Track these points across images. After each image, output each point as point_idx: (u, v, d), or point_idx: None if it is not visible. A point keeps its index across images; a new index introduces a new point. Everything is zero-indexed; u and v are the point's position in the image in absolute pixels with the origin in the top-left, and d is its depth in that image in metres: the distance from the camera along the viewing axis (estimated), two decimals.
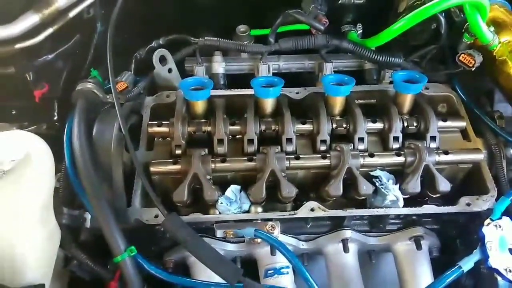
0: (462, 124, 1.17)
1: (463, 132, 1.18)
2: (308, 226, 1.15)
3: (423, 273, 1.11)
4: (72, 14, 1.20)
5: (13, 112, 1.24)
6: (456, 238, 1.17)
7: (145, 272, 0.99)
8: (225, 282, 0.94)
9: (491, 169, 1.12)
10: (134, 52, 1.27)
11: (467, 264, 0.91)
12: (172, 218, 0.97)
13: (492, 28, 1.14)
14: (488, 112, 1.21)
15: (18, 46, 1.14)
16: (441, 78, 1.27)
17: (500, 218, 0.97)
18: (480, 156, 1.11)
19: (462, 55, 1.14)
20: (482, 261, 0.92)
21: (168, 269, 1.09)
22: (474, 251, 0.94)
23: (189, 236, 0.95)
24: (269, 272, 1.09)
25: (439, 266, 1.10)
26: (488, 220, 0.96)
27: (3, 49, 1.13)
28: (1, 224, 0.85)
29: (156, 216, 1.03)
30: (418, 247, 1.12)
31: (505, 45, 1.14)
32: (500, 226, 0.95)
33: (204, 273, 1.06)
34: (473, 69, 1.13)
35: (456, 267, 0.92)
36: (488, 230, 0.94)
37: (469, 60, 1.13)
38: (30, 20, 1.13)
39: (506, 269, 0.91)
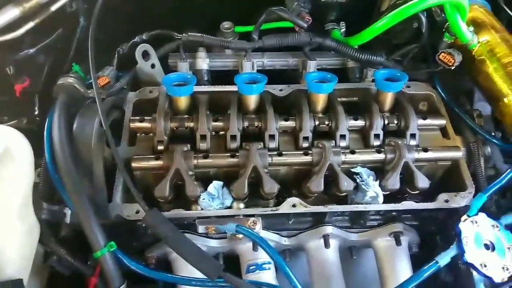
0: (441, 122, 1.19)
1: (443, 130, 1.20)
2: (290, 222, 1.16)
3: (403, 269, 1.13)
4: (54, 7, 1.20)
5: None
6: (435, 234, 1.20)
7: (125, 268, 0.99)
8: (206, 278, 0.95)
9: (469, 167, 1.15)
10: (116, 48, 1.26)
11: (443, 259, 0.93)
12: (153, 213, 0.97)
13: (471, 28, 1.17)
14: (467, 111, 1.23)
15: None
16: (422, 76, 1.29)
17: (476, 214, 0.99)
18: (459, 154, 1.13)
19: (442, 54, 1.15)
20: (459, 256, 0.94)
21: (150, 265, 1.09)
22: (451, 246, 0.95)
23: (170, 232, 0.95)
24: (251, 267, 1.10)
25: (419, 262, 1.12)
26: (465, 216, 0.98)
27: None
28: None
29: (137, 212, 1.03)
30: (398, 243, 1.13)
31: (484, 45, 1.16)
32: (476, 222, 0.97)
33: (185, 269, 1.07)
34: (452, 68, 1.15)
35: (433, 262, 0.93)
36: (465, 226, 0.96)
37: (449, 59, 1.14)
38: (10, 13, 1.12)
39: (481, 264, 0.92)
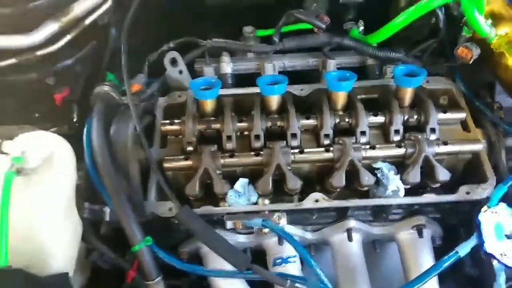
0: (462, 115, 1.21)
1: (463, 123, 1.22)
2: (314, 218, 1.20)
3: (426, 261, 1.15)
4: (88, 21, 1.28)
5: (36, 115, 1.32)
6: (459, 227, 1.21)
7: (160, 262, 1.07)
8: (235, 270, 1.01)
9: (490, 159, 1.16)
10: (146, 56, 1.34)
11: (463, 249, 0.96)
12: (185, 210, 1.04)
13: (489, 21, 1.17)
14: (487, 104, 1.24)
15: (39, 53, 1.22)
16: (442, 71, 1.31)
17: (497, 205, 1.01)
18: (479, 146, 1.14)
19: (460, 48, 1.17)
20: (479, 247, 0.96)
21: (182, 260, 1.16)
22: (471, 237, 0.97)
23: (201, 227, 1.02)
24: (277, 261, 1.15)
25: (443, 254, 1.14)
26: (485, 207, 1.00)
27: (26, 56, 1.22)
28: (29, 217, 0.93)
29: (170, 209, 1.10)
30: (420, 235, 1.16)
31: (502, 37, 1.16)
32: (496, 212, 0.99)
33: (216, 262, 1.13)
34: (470, 62, 1.16)
35: (453, 252, 0.96)
36: (485, 217, 0.98)
37: (466, 53, 1.16)
38: (50, 28, 1.21)
39: (501, 254, 0.95)
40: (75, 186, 1.03)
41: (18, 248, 0.90)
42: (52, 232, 0.95)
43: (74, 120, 1.30)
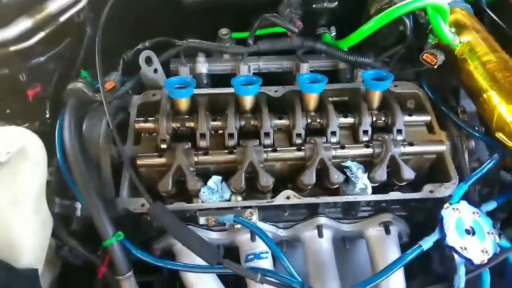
0: (427, 118, 1.26)
1: (429, 126, 1.27)
2: (286, 215, 1.23)
3: (393, 256, 1.18)
4: (62, 18, 1.28)
5: (7, 111, 1.31)
6: (424, 224, 1.26)
7: (132, 260, 1.07)
8: (207, 264, 1.02)
9: (454, 160, 1.21)
10: (121, 54, 1.35)
11: (426, 243, 1.00)
12: (157, 205, 1.05)
13: (453, 29, 1.24)
14: (452, 107, 1.30)
15: (12, 48, 1.21)
16: (409, 76, 1.37)
17: (458, 202, 1.06)
18: (443, 147, 1.20)
19: (426, 54, 1.23)
20: (441, 240, 1.00)
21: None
22: (434, 232, 1.02)
23: (173, 222, 1.03)
24: (249, 257, 1.17)
25: None
26: (447, 204, 1.05)
27: None
28: (0, 211, 0.92)
29: (143, 205, 1.11)
30: (387, 232, 1.20)
31: (465, 45, 1.22)
32: (457, 209, 1.04)
33: (188, 259, 1.13)
34: (435, 67, 1.22)
35: (417, 245, 1.00)
36: (447, 213, 1.03)
37: (432, 59, 1.22)
38: (23, 24, 1.21)
39: (461, 247, 0.99)
40: (45, 180, 1.02)
41: None
42: (22, 225, 0.94)
43: (46, 116, 1.29)
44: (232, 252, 1.22)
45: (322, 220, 1.20)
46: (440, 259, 1.27)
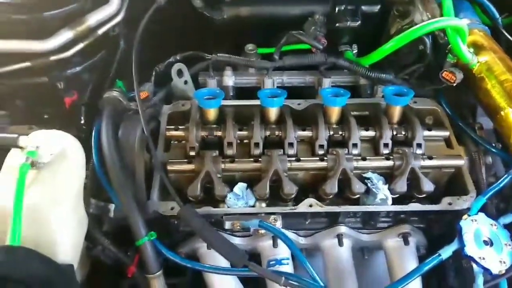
0: (445, 133, 1.30)
1: (447, 141, 1.32)
2: (307, 223, 1.27)
3: (411, 267, 1.19)
4: (100, 31, 1.36)
5: (45, 117, 1.38)
6: (442, 238, 1.29)
7: (161, 259, 1.12)
8: (232, 267, 1.07)
9: (472, 174, 1.25)
10: (152, 67, 1.42)
11: (445, 252, 1.03)
12: (187, 208, 1.10)
13: (471, 49, 1.30)
14: (469, 124, 1.35)
15: (52, 58, 1.30)
16: (428, 93, 1.41)
17: (476, 214, 1.09)
18: (461, 162, 1.24)
19: (445, 72, 1.28)
20: (460, 250, 1.04)
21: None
22: (453, 242, 1.05)
23: (201, 225, 1.08)
24: (271, 262, 1.21)
25: None
26: (465, 216, 1.08)
27: (40, 61, 1.29)
28: (42, 208, 0.98)
29: (172, 209, 1.16)
30: (406, 243, 1.24)
31: (483, 64, 1.28)
32: (476, 221, 1.07)
33: (212, 263, 1.18)
34: (454, 85, 1.27)
35: (436, 255, 1.03)
36: (466, 223, 1.06)
37: (451, 77, 1.27)
38: (64, 36, 1.29)
39: (480, 257, 1.02)
40: (83, 181, 1.08)
41: (28, 236, 0.94)
42: (61, 223, 1.00)
43: (82, 122, 1.36)
44: (253, 259, 1.25)
45: (343, 229, 1.24)
46: (455, 274, 1.30)
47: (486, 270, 1.02)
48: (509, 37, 1.44)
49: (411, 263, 1.23)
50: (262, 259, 1.24)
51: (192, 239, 1.24)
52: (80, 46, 1.34)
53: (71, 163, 1.06)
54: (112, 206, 1.16)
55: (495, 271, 1.01)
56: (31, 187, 0.98)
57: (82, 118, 1.37)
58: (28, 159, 0.99)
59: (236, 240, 1.24)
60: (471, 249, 1.03)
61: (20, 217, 0.92)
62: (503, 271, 1.02)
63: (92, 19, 1.34)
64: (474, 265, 1.03)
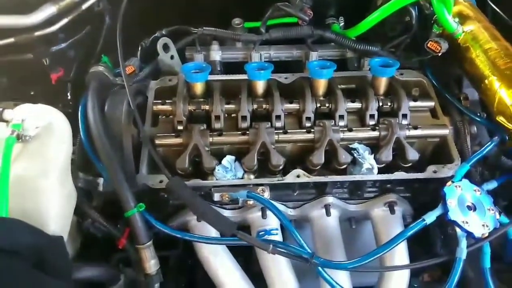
0: (431, 104, 1.32)
1: (433, 111, 1.33)
2: (295, 194, 1.29)
3: None
4: (84, 6, 1.35)
5: (32, 93, 1.37)
6: (428, 206, 1.32)
7: (151, 232, 1.13)
8: (221, 237, 1.08)
9: (457, 144, 1.27)
10: (138, 42, 1.41)
11: (430, 217, 1.05)
12: (175, 180, 1.11)
13: (457, 19, 1.30)
14: (455, 94, 1.36)
15: (37, 33, 1.29)
16: (414, 65, 1.42)
17: (460, 181, 1.11)
18: (446, 131, 1.25)
19: (430, 42, 1.28)
20: (443, 215, 1.06)
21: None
22: (437, 207, 1.07)
23: (190, 196, 1.09)
24: (260, 233, 1.22)
25: None
26: (449, 182, 1.11)
27: (24, 36, 1.28)
28: (28, 180, 0.98)
29: (161, 181, 1.17)
30: (392, 211, 1.25)
31: (468, 34, 1.28)
32: (460, 187, 1.09)
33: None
34: (439, 55, 1.28)
35: (420, 219, 1.06)
36: (449, 189, 1.08)
37: (436, 47, 1.27)
38: (48, 10, 1.28)
39: (463, 222, 1.05)
40: (70, 155, 1.08)
41: (16, 209, 0.95)
42: (49, 195, 1.00)
43: (68, 98, 1.36)
44: (243, 231, 1.26)
45: (330, 199, 1.26)
46: (443, 243, 1.33)
47: (469, 234, 1.04)
48: (494, 6, 1.44)
49: (397, 231, 1.23)
50: (252, 230, 1.25)
51: (182, 212, 1.26)
52: (64, 21, 1.33)
53: (57, 136, 1.05)
54: (101, 180, 1.17)
55: (478, 234, 1.04)
56: (17, 160, 0.98)
57: (69, 94, 1.37)
58: (14, 132, 0.99)
59: (226, 213, 1.26)
60: (454, 214, 1.05)
61: (7, 189, 0.92)
62: (486, 234, 1.04)
63: None
64: (458, 229, 1.05)
